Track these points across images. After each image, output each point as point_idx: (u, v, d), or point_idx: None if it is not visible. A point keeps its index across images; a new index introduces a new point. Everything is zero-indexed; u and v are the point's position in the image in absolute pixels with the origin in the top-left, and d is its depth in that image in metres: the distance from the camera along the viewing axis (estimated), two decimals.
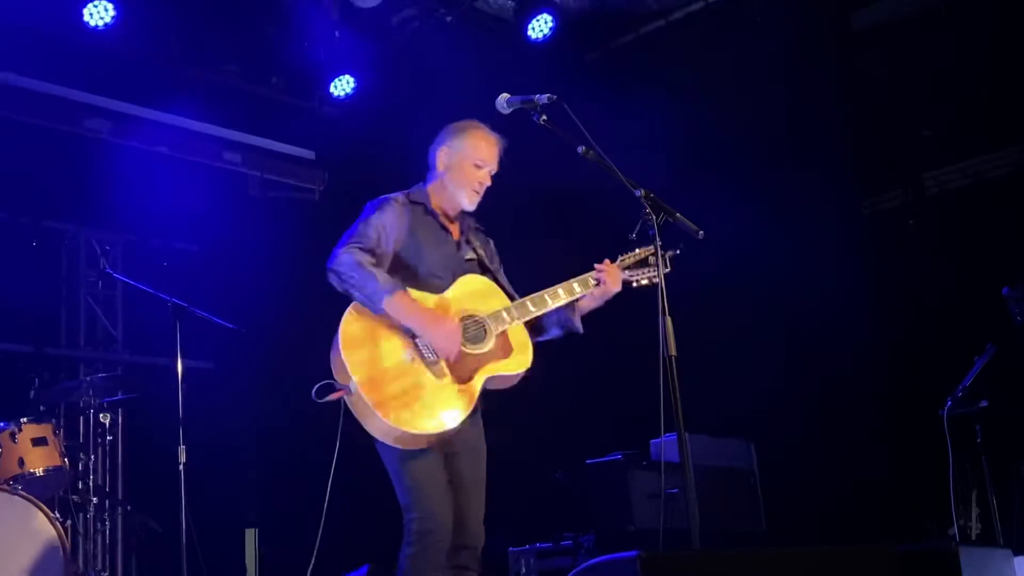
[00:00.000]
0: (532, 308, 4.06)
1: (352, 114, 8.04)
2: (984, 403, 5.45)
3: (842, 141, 6.94)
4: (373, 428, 3.90)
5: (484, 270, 4.23)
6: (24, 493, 5.56)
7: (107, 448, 7.63)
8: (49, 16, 6.69)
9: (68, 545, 5.63)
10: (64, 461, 6.04)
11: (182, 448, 5.46)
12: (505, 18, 7.56)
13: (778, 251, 6.68)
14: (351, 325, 3.92)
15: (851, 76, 7.05)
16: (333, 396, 3.86)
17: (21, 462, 5.80)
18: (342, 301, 4.04)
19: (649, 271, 4.16)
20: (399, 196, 4.18)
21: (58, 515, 5.78)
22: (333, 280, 3.96)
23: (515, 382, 4.11)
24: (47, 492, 6.04)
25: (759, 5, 7.08)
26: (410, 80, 7.88)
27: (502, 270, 4.35)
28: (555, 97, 3.97)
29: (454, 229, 4.24)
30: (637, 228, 3.82)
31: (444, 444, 3.98)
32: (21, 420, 5.90)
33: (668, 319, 3.70)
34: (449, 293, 4.05)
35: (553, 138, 3.94)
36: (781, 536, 6.25)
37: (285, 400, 7.71)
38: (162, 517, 6.70)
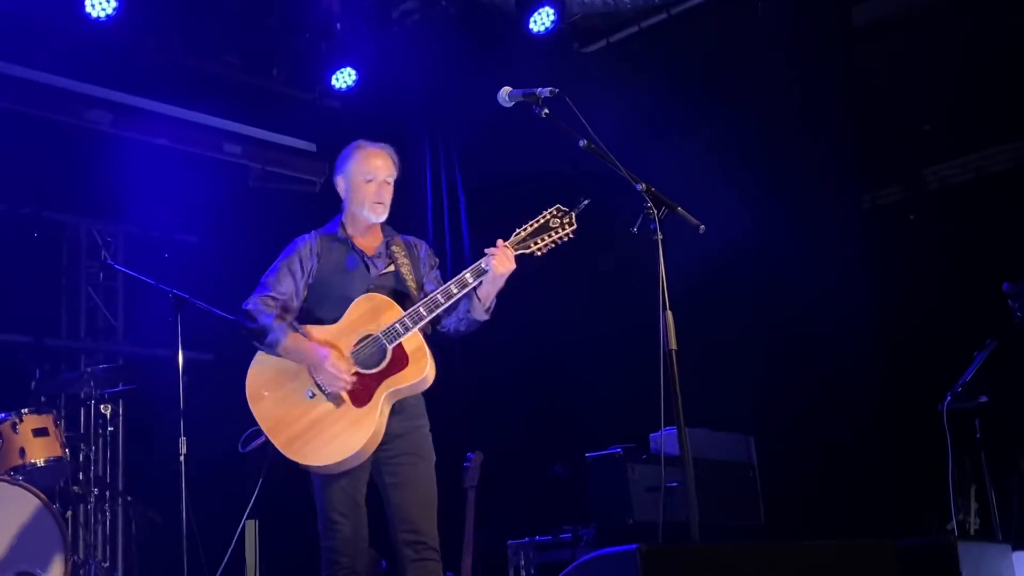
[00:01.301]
0: (425, 313, 4.14)
1: (353, 106, 8.03)
2: (983, 398, 5.43)
3: (842, 135, 6.92)
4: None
5: (399, 280, 4.33)
6: (25, 483, 5.59)
7: (108, 439, 7.62)
8: (51, 7, 6.69)
9: (69, 535, 5.66)
10: (65, 452, 6.06)
11: (183, 439, 5.48)
12: (506, 11, 7.55)
13: (778, 245, 6.67)
14: (255, 379, 4.27)
15: (852, 70, 7.03)
16: (257, 442, 4.11)
17: (22, 452, 5.83)
18: None
19: (550, 235, 4.13)
20: (310, 235, 4.43)
21: (59, 505, 5.81)
22: (240, 329, 4.30)
23: (423, 388, 4.22)
24: (48, 483, 6.06)
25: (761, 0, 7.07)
26: (411, 73, 7.88)
27: (436, 270, 4.48)
28: (557, 90, 3.97)
29: (368, 248, 4.39)
30: (638, 222, 3.82)
31: (376, 453, 4.15)
32: (22, 411, 5.93)
33: (669, 313, 3.70)
34: (345, 318, 4.21)
35: (555, 131, 3.94)
36: (780, 530, 6.26)
37: None
38: (162, 508, 6.71)
